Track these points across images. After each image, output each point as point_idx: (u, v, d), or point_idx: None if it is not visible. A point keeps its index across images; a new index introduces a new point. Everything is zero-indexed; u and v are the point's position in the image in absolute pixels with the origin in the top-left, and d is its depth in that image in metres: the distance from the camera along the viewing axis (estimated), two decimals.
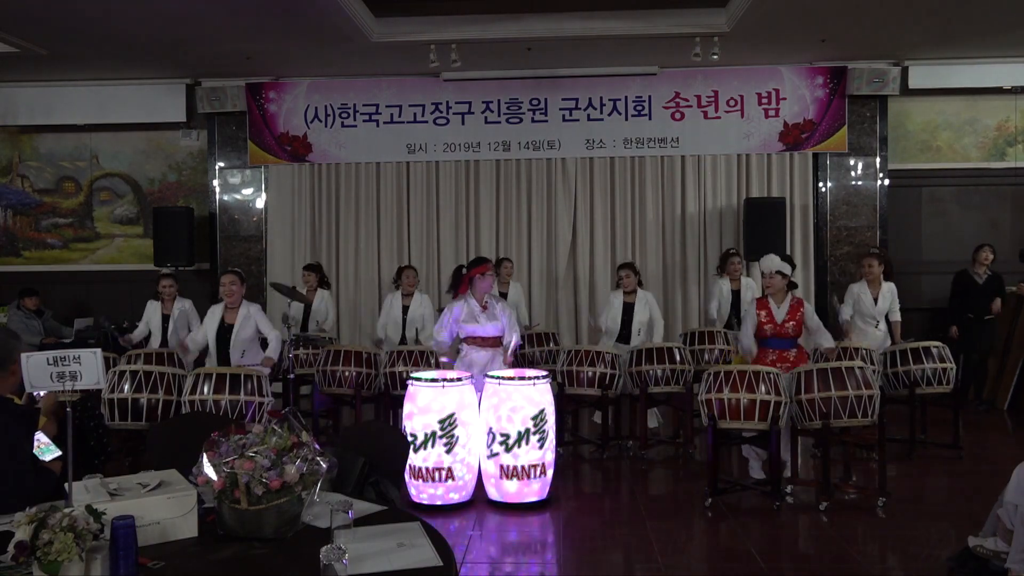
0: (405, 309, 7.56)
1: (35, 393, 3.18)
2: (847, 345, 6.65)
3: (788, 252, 9.07)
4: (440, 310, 8.23)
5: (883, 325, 7.15)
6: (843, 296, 7.44)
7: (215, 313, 6.30)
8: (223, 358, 6.20)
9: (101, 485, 2.61)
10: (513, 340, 5.97)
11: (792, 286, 5.84)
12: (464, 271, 5.98)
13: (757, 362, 5.71)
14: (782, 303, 5.74)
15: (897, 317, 7.17)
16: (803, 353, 5.91)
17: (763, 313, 5.72)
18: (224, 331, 6.22)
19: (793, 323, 5.71)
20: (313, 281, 8.11)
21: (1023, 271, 8.93)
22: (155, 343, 7.30)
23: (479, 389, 5.44)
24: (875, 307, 7.06)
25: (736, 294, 7.65)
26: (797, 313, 5.74)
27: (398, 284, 7.66)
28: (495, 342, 5.94)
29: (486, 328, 5.87)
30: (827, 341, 5.92)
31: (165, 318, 7.28)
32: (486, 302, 5.92)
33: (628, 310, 7.18)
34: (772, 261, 5.82)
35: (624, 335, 7.17)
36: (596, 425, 7.19)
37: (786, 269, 5.80)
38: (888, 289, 7.11)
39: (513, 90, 9.37)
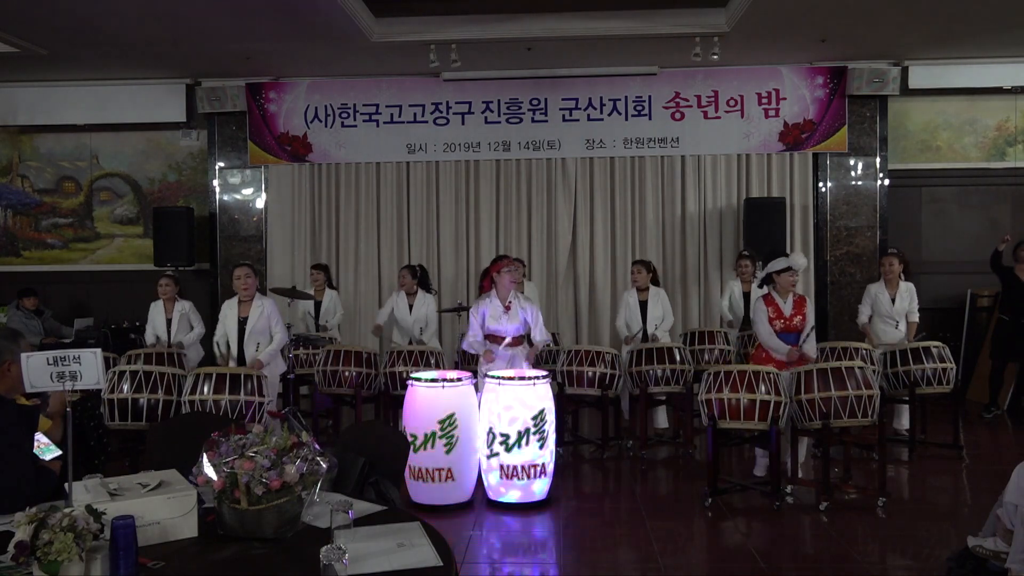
0: (410, 308, 7.56)
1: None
2: (847, 345, 6.65)
3: (788, 252, 9.07)
4: (451, 311, 8.31)
5: (903, 325, 7.12)
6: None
7: (232, 307, 6.27)
8: (238, 353, 6.21)
9: (101, 485, 2.61)
10: (539, 338, 6.00)
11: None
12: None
13: (767, 360, 5.70)
14: (787, 299, 5.76)
15: (915, 318, 7.14)
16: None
17: (771, 309, 5.72)
18: (239, 325, 6.22)
19: (800, 317, 5.74)
20: (321, 280, 8.12)
21: None
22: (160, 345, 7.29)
23: (479, 389, 5.45)
24: (893, 307, 7.05)
25: (747, 296, 7.62)
26: (803, 308, 5.77)
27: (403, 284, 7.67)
28: (515, 341, 5.98)
29: (506, 327, 5.91)
30: (812, 349, 5.84)
31: (168, 321, 7.30)
32: (510, 302, 5.94)
33: (643, 308, 7.21)
34: (799, 260, 5.87)
35: (642, 334, 7.18)
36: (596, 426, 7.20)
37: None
38: (906, 289, 7.08)
39: (513, 90, 9.37)
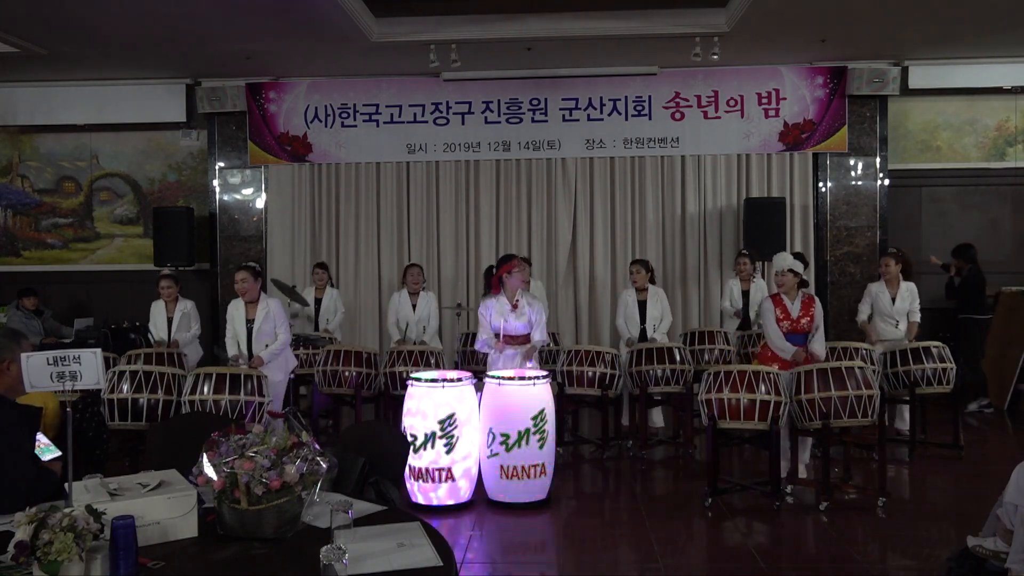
0: (414, 308, 7.56)
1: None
2: (847, 345, 6.64)
3: (791, 251, 9.09)
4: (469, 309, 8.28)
5: (903, 324, 7.10)
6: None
7: (238, 309, 6.30)
8: (248, 354, 6.22)
9: (101, 485, 2.61)
10: (537, 338, 5.97)
11: (803, 284, 5.84)
12: (494, 271, 6.01)
13: (773, 359, 5.69)
14: (795, 300, 5.74)
15: (916, 318, 7.12)
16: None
17: (778, 310, 5.70)
18: (247, 325, 6.23)
19: (808, 319, 5.70)
20: (324, 279, 8.14)
21: (1022, 270, 8.96)
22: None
23: (479, 389, 5.45)
24: (893, 307, 7.04)
25: (746, 295, 7.68)
26: (811, 309, 5.72)
27: (405, 283, 7.67)
28: (524, 339, 5.96)
29: (515, 326, 5.88)
30: (820, 347, 5.78)
31: (169, 320, 7.34)
32: (517, 300, 5.92)
33: (642, 308, 7.21)
34: (784, 259, 5.82)
35: (640, 333, 7.17)
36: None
37: (797, 267, 5.79)
38: (907, 288, 7.07)
39: (513, 90, 9.36)
